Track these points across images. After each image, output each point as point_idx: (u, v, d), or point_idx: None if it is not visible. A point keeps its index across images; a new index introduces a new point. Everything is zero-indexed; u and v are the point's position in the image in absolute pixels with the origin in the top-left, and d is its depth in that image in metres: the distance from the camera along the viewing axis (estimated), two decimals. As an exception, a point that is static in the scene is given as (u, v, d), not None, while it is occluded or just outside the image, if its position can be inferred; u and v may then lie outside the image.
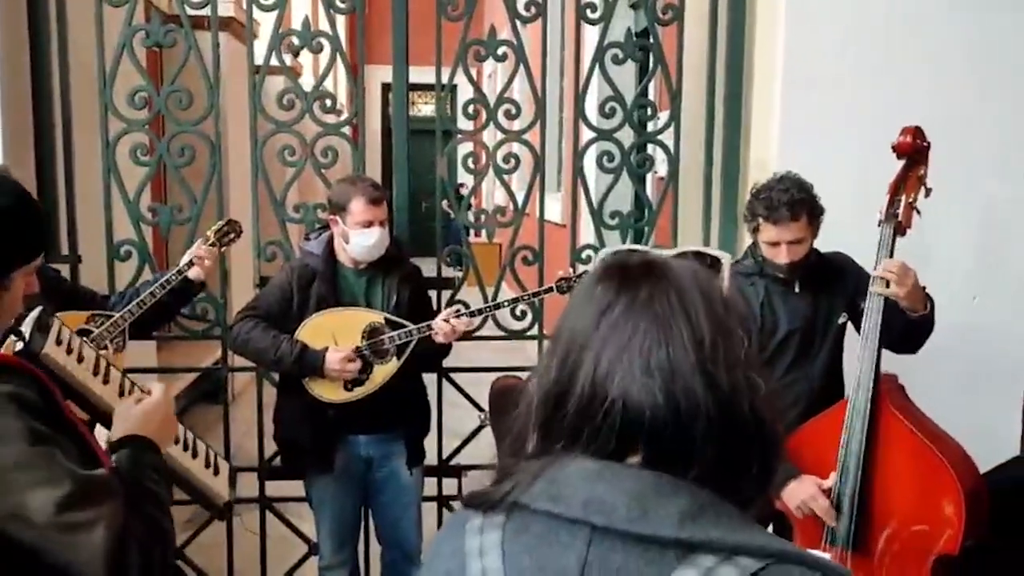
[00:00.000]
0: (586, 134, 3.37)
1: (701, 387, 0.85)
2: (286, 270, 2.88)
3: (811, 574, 0.82)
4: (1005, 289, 3.13)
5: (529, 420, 0.94)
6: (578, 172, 3.35)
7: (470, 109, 3.39)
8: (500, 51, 3.27)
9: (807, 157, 2.79)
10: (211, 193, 3.21)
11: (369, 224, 2.70)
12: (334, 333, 2.72)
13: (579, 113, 3.32)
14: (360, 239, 2.71)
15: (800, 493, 2.28)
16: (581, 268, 3.14)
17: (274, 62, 3.18)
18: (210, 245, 2.74)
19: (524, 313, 3.38)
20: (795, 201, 2.39)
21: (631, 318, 0.88)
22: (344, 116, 3.56)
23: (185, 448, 1.81)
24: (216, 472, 1.87)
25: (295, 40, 3.21)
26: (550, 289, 2.91)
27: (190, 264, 2.67)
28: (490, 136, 5.12)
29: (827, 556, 1.75)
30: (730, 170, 3.31)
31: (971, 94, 3.03)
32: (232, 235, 2.82)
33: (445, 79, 3.23)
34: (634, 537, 0.82)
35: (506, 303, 3.05)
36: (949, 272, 2.97)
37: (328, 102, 3.34)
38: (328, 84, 3.61)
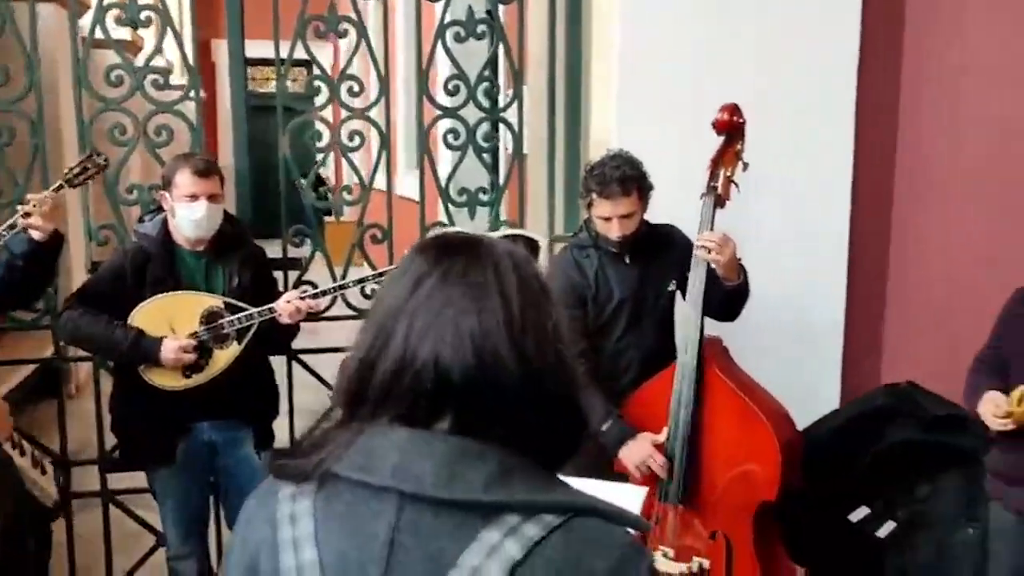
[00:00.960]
0: (438, 113, 3.39)
1: (510, 354, 0.88)
2: (119, 253, 2.77)
3: (606, 525, 0.88)
4: (822, 257, 3.37)
5: (341, 391, 0.95)
6: (423, 149, 3.36)
7: (316, 86, 3.33)
8: (342, 27, 3.23)
9: (642, 135, 2.91)
10: (37, 175, 3.03)
11: (195, 197, 2.59)
12: (171, 318, 2.63)
13: (422, 90, 3.33)
14: (186, 212, 2.60)
15: (638, 452, 2.41)
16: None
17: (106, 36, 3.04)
18: (55, 189, 2.55)
19: (374, 292, 3.37)
20: (626, 177, 2.50)
21: (445, 288, 0.90)
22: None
23: (14, 447, 1.73)
24: (43, 471, 1.80)
25: (122, 12, 3.07)
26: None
27: (26, 216, 2.47)
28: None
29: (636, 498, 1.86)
30: (572, 149, 3.40)
31: (791, 71, 3.22)
32: (91, 171, 2.63)
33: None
34: (442, 502, 0.85)
35: (352, 283, 3.04)
36: (771, 241, 3.18)
37: (160, 79, 3.21)
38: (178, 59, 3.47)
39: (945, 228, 3.22)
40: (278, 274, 3.08)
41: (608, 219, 2.54)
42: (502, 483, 0.85)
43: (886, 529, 3.07)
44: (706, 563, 2.44)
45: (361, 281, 3.06)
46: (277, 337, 2.84)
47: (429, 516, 0.86)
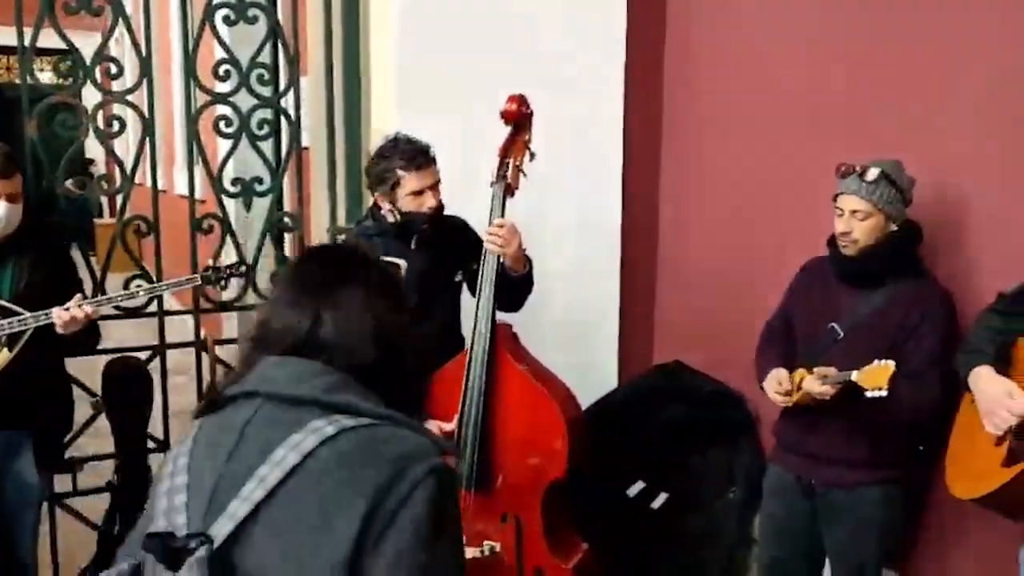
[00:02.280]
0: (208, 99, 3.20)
1: (374, 337, 1.17)
2: None
3: (408, 432, 1.11)
4: (600, 243, 3.53)
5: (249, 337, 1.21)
6: (192, 136, 3.16)
7: (65, 68, 3.04)
8: (96, 5, 2.96)
9: (425, 124, 2.89)
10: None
11: None
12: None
13: (189, 74, 3.13)
14: None
15: None
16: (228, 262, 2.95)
17: None
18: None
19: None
20: (427, 147, 2.54)
21: (348, 287, 1.19)
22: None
23: None
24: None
25: None
26: (194, 279, 2.75)
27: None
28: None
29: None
30: (352, 138, 3.33)
31: (568, 62, 3.34)
32: None
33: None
34: (289, 399, 1.10)
35: (140, 291, 2.76)
36: (556, 229, 3.29)
37: None
38: None
39: (705, 218, 3.48)
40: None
41: (420, 192, 2.52)
42: (338, 391, 1.11)
43: (660, 501, 3.28)
44: (497, 546, 2.48)
45: (152, 291, 2.79)
46: (66, 345, 2.55)
47: (278, 412, 1.10)
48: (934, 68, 2.54)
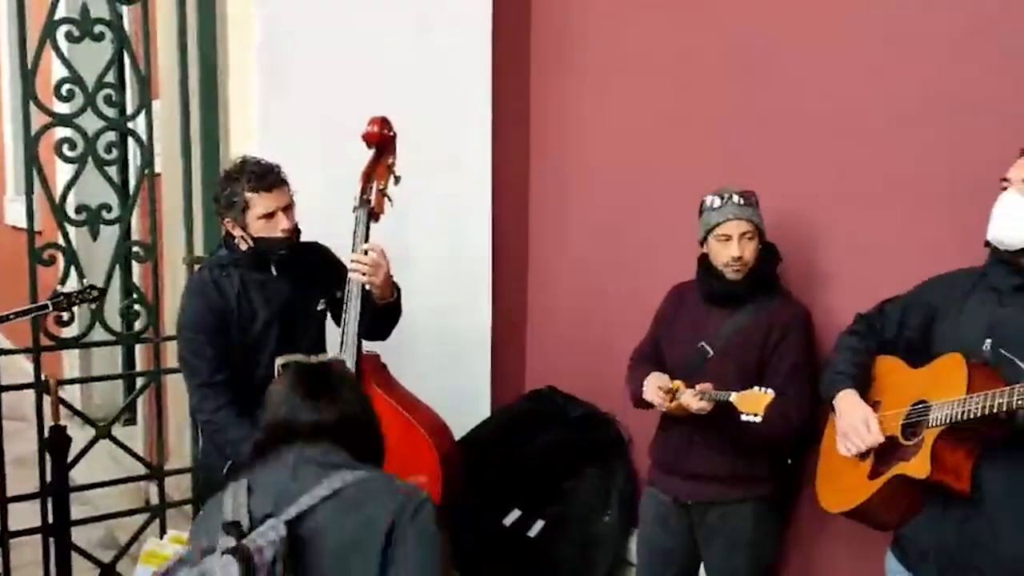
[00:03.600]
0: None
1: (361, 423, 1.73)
2: None
3: (392, 480, 1.66)
4: (468, 271, 3.50)
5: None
6: (31, 160, 2.93)
7: None
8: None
9: (287, 150, 2.78)
10: None
11: None
12: None
13: (28, 94, 2.91)
14: None
15: None
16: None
17: None
18: None
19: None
20: (275, 167, 2.40)
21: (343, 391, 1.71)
22: None
23: None
24: None
25: None
26: (44, 307, 2.56)
27: None
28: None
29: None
30: (209, 164, 3.18)
31: (426, 91, 3.30)
32: None
33: None
34: (321, 463, 1.60)
35: None
36: (425, 259, 3.23)
37: None
38: None
39: (573, 244, 3.51)
40: None
41: (271, 214, 2.37)
42: (348, 460, 1.63)
43: (536, 528, 3.25)
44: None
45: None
46: None
47: (311, 471, 1.59)
48: (791, 98, 2.65)
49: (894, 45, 2.37)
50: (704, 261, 2.46)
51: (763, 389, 2.10)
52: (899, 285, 2.11)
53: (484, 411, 3.53)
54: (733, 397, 2.13)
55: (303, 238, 2.48)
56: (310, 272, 2.52)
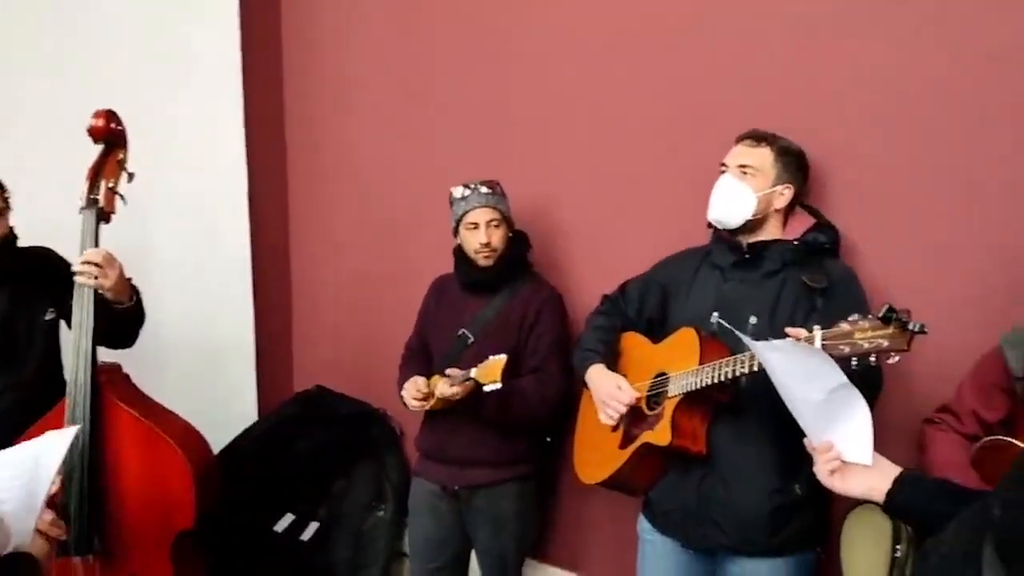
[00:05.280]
0: None
1: None
2: None
3: None
4: (226, 271, 3.34)
5: None
6: None
7: None
8: None
9: (5, 149, 2.53)
10: None
11: None
12: None
13: None
14: None
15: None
16: None
17: None
18: None
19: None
20: None
21: None
22: None
23: None
24: None
25: None
26: None
27: None
28: None
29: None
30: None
31: (172, 87, 3.11)
32: None
33: None
34: None
35: None
36: (176, 261, 3.03)
37: None
38: None
39: (336, 241, 3.44)
40: None
41: None
42: None
43: (310, 532, 3.17)
44: (123, 612, 2.21)
45: None
46: None
47: None
48: (541, 96, 2.75)
49: (628, 39, 2.52)
50: (459, 251, 2.52)
51: (496, 356, 2.13)
52: (638, 266, 2.26)
53: (251, 418, 3.39)
54: (473, 372, 2.16)
55: (32, 243, 2.25)
56: (33, 279, 2.29)
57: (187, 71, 3.16)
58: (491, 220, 2.43)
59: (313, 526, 3.17)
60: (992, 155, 1.93)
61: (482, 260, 2.46)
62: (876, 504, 1.41)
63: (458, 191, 2.45)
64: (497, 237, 2.44)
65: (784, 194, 2.00)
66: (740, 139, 2.05)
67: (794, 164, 2.02)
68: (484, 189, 2.44)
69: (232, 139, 3.32)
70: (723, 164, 2.04)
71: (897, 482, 1.38)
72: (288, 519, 3.19)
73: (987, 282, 1.90)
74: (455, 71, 2.96)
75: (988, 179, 1.94)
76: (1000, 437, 1.69)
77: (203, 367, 3.17)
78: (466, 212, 2.43)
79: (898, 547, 1.72)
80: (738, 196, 1.99)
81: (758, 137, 2.03)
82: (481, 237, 2.42)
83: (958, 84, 1.97)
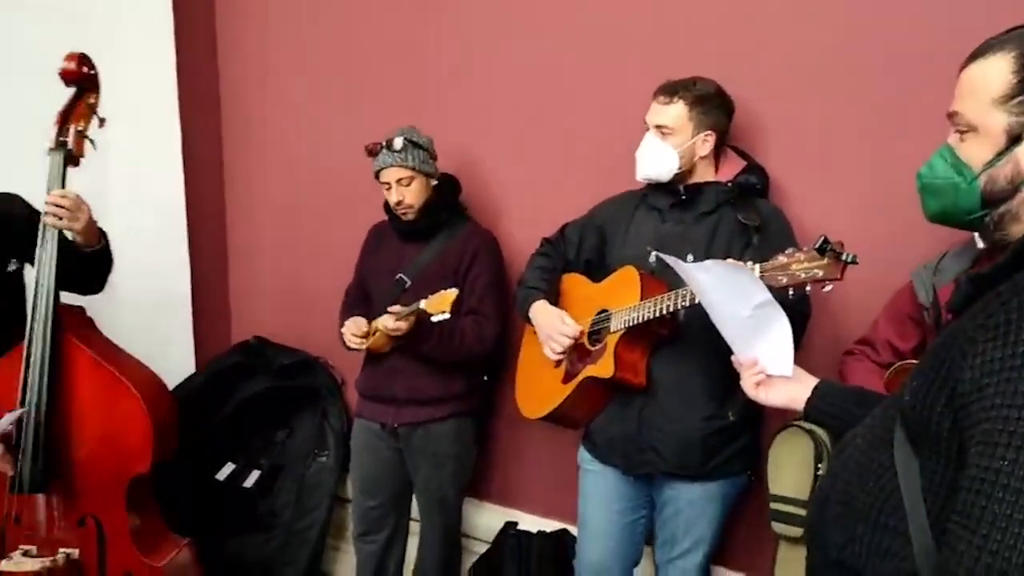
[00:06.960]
0: None
1: None
2: None
3: None
4: (159, 224, 3.31)
5: None
6: None
7: None
8: None
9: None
10: None
11: None
12: None
13: None
14: None
15: None
16: None
17: None
18: None
19: None
20: None
21: None
22: None
23: None
24: None
25: None
26: None
27: None
28: None
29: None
30: None
31: (103, 36, 3.05)
32: None
33: None
34: None
35: None
36: (106, 214, 2.97)
37: None
38: None
39: (270, 192, 3.46)
40: None
41: None
42: None
43: (252, 479, 3.21)
44: (75, 553, 2.24)
45: None
46: None
47: None
48: (474, 45, 2.82)
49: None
50: (387, 203, 2.59)
51: (448, 290, 2.21)
52: (571, 209, 2.37)
53: (189, 370, 3.39)
54: (422, 304, 2.23)
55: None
56: None
57: (119, 29, 3.11)
58: (400, 179, 2.49)
59: (255, 474, 3.22)
60: (911, 95, 2.02)
61: (403, 216, 2.55)
62: (797, 412, 1.50)
63: (370, 151, 2.52)
64: (411, 194, 2.51)
65: (708, 140, 2.09)
66: (655, 95, 2.11)
67: (713, 108, 2.09)
68: (397, 144, 2.47)
69: (165, 95, 3.29)
70: (645, 123, 2.12)
71: (815, 390, 1.47)
72: (229, 468, 3.23)
73: (903, 220, 1.95)
74: (384, 22, 2.99)
75: (908, 119, 2.03)
76: (910, 360, 1.86)
77: (140, 320, 3.15)
78: (378, 172, 2.52)
79: (820, 466, 1.87)
80: (660, 155, 2.09)
81: (670, 91, 2.09)
82: (393, 196, 2.51)
83: (875, 24, 2.06)
